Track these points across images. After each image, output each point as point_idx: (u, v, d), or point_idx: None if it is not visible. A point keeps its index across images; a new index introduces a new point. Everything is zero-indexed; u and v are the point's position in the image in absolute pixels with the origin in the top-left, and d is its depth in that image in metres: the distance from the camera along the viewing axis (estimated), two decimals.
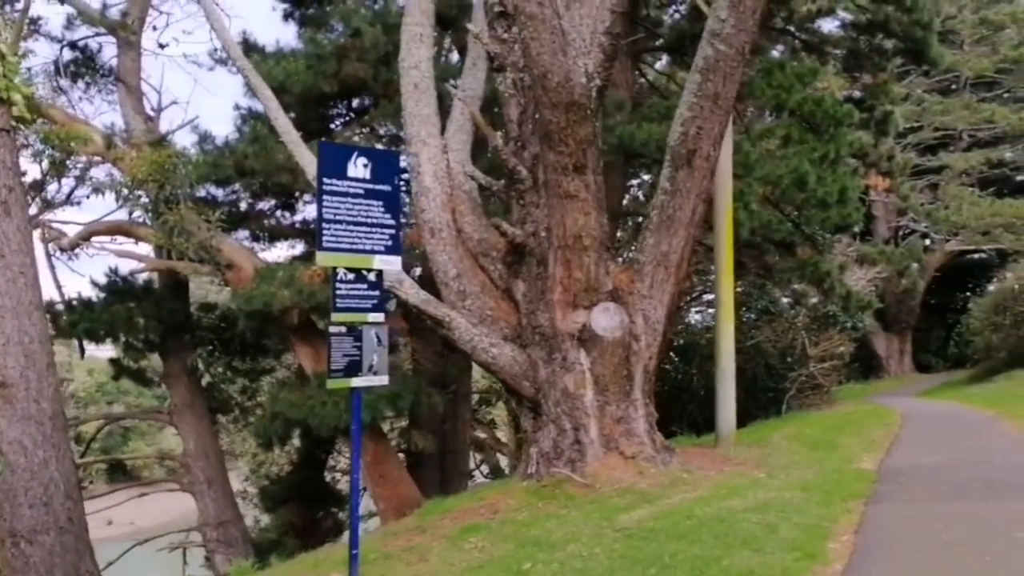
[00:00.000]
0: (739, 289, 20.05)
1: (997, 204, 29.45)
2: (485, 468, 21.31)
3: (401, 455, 14.42)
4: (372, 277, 5.66)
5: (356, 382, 5.55)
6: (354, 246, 5.56)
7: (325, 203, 5.48)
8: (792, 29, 16.07)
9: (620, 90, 13.20)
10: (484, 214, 9.30)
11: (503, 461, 21.43)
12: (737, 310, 20.96)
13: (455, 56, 14.67)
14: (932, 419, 13.69)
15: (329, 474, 18.45)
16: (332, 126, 14.05)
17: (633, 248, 9.04)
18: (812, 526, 6.15)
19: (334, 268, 5.52)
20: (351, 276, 5.55)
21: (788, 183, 12.53)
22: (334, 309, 5.50)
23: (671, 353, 21.66)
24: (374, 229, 5.66)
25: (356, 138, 13.65)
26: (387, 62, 10.10)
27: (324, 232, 5.47)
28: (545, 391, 8.44)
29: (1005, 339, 23.98)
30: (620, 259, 9.01)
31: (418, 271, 13.04)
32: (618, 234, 17.75)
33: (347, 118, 14.11)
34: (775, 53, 16.22)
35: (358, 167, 5.59)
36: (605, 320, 8.29)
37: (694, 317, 23.41)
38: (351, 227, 5.56)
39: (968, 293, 29.53)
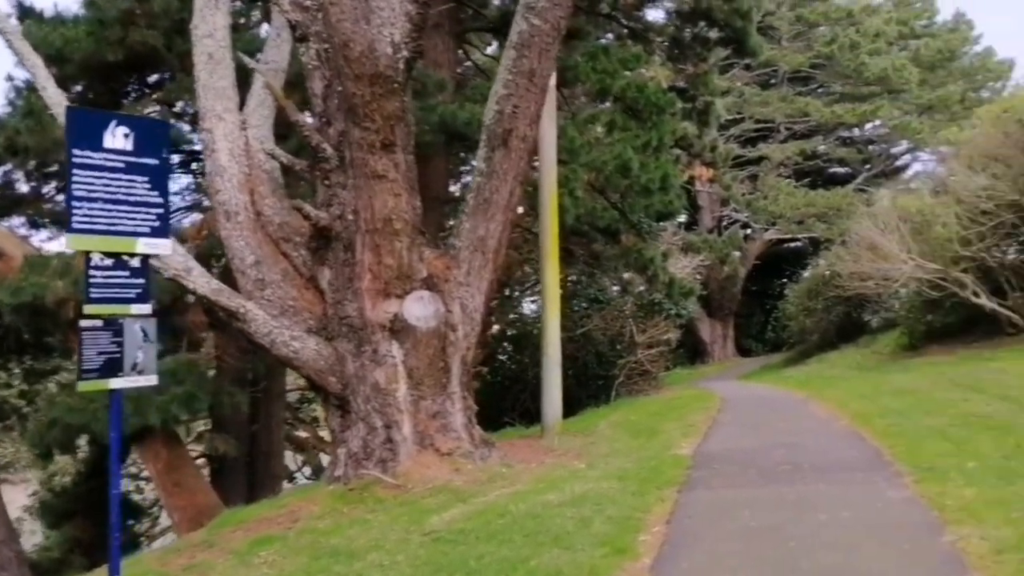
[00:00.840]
0: (571, 278, 20.18)
1: (811, 195, 31.14)
2: (308, 470, 20.44)
3: (203, 460, 13.47)
4: (135, 263, 4.98)
5: (115, 383, 4.86)
6: (112, 227, 4.86)
7: (76, 178, 4.76)
8: (618, 16, 16.14)
9: (442, 70, 12.79)
10: (287, 196, 8.65)
11: (327, 461, 20.63)
12: (568, 299, 21.18)
13: (266, 28, 13.81)
14: (749, 402, 14.06)
15: (131, 482, 17.06)
16: (124, 101, 12.87)
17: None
18: (625, 519, 5.94)
19: (87, 253, 4.81)
20: (109, 262, 4.85)
21: (612, 170, 12.51)
22: (87, 300, 4.79)
23: (504, 343, 21.57)
24: (137, 208, 4.97)
25: (151, 115, 12.58)
26: (182, 31, 9.26)
27: (75, 211, 4.76)
28: (354, 387, 7.91)
29: (817, 323, 25.33)
30: (437, 245, 8.55)
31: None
32: (450, 222, 17.35)
33: (140, 92, 12.98)
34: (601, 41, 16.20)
35: (117, 137, 4.89)
36: (419, 309, 7.85)
37: (528, 307, 23.36)
38: (109, 206, 4.85)
39: (785, 280, 31.10)
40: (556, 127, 11.90)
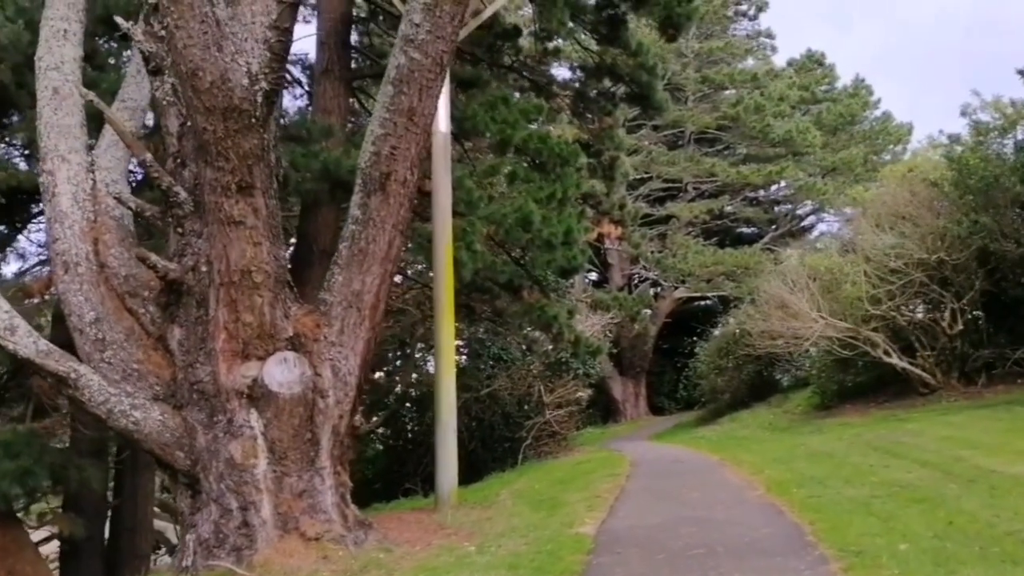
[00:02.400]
0: (481, 335, 19.32)
1: (719, 253, 31.17)
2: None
3: (55, 542, 12.00)
4: None
5: None
6: None
7: None
8: (520, 68, 15.64)
9: (332, 116, 11.94)
10: (137, 246, 7.60)
11: None
12: (473, 357, 20.30)
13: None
14: (660, 466, 13.33)
15: None
16: None
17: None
18: None
19: None
20: None
21: (513, 223, 11.76)
22: None
23: (407, 403, 20.51)
24: None
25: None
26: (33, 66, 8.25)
27: None
28: (205, 462, 6.83)
29: (728, 382, 24.98)
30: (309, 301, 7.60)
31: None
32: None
33: None
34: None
35: None
36: (282, 373, 6.85)
37: (431, 366, 22.34)
38: None
39: (695, 338, 30.83)
40: (451, 177, 11.17)
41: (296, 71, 15.74)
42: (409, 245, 13.41)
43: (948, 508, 6.81)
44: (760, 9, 37.26)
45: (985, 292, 16.17)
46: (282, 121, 11.18)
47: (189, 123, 6.92)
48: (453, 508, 10.29)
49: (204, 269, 6.89)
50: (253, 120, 6.30)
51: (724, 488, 9.83)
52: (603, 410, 34.32)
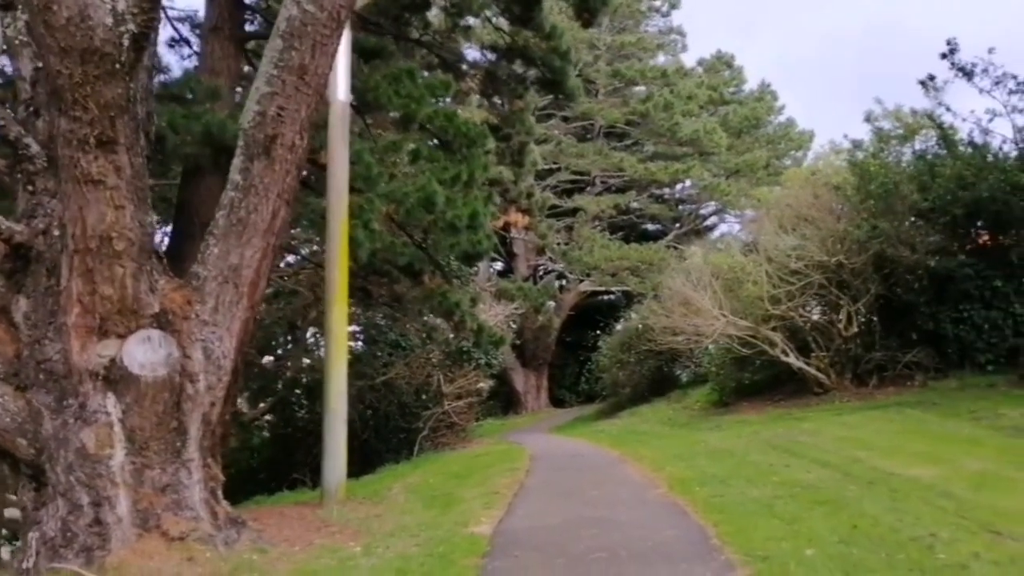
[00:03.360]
0: (379, 320, 18.63)
1: (625, 248, 31.17)
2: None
3: None
4: None
5: None
6: None
7: None
8: (428, 42, 15.01)
9: (220, 77, 11.09)
10: None
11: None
12: (369, 344, 19.60)
13: None
14: (560, 461, 12.96)
15: None
16: None
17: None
18: None
19: None
20: None
21: (415, 203, 11.16)
22: None
23: (296, 390, 19.67)
24: None
25: None
26: None
27: None
28: (51, 452, 6.06)
29: (630, 376, 24.94)
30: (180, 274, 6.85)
31: None
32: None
33: None
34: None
35: None
36: (145, 353, 6.12)
37: (324, 351, 21.53)
38: None
39: (598, 332, 30.82)
40: (349, 151, 10.52)
41: (185, 29, 14.74)
42: (303, 222, 12.71)
43: (851, 511, 6.59)
44: (673, 6, 37.50)
45: (880, 296, 16.38)
46: (162, 78, 10.31)
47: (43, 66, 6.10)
48: (340, 503, 9.67)
49: (57, 233, 6.10)
50: (117, 66, 5.54)
51: (626, 485, 9.50)
52: (504, 401, 34.06)
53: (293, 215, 14.97)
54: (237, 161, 6.43)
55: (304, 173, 12.16)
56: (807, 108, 53.11)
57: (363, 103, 12.43)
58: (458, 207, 11.56)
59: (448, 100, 18.29)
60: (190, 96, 10.48)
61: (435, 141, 12.90)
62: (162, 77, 10.70)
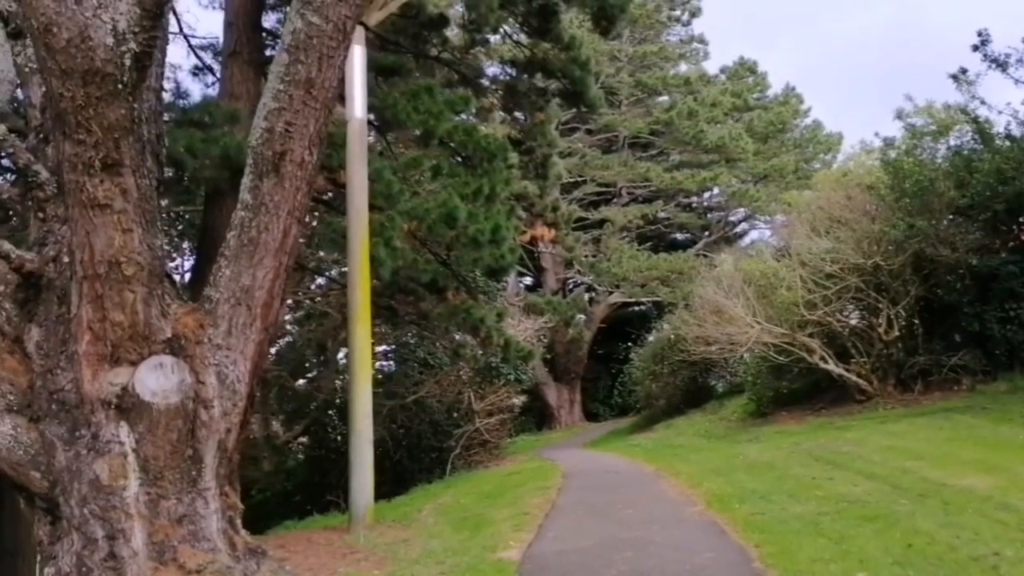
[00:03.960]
0: (408, 339, 18.43)
1: (654, 258, 30.79)
2: None
3: None
4: None
5: None
6: None
7: None
8: (447, 59, 14.86)
9: (240, 101, 11.00)
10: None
11: None
12: (400, 363, 19.41)
13: None
14: (594, 479, 12.63)
15: None
16: None
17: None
18: None
19: None
20: None
21: (436, 219, 10.96)
22: None
23: (329, 411, 19.51)
24: None
25: None
26: None
27: None
28: (65, 484, 5.85)
29: (663, 388, 24.50)
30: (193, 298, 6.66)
31: None
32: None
33: None
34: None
35: None
36: (157, 381, 5.91)
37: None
38: None
39: (630, 344, 30.40)
40: (369, 169, 10.36)
41: (208, 57, 14.76)
42: (324, 242, 12.55)
43: (903, 527, 6.22)
44: (693, 15, 37.19)
45: (920, 298, 15.91)
46: (181, 103, 10.21)
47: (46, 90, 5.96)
48: (368, 528, 9.45)
49: (67, 260, 5.93)
50: (120, 86, 5.36)
51: (661, 503, 9.17)
52: (537, 417, 33.72)
53: (314, 235, 14.94)
54: (246, 180, 6.22)
55: (327, 194, 12.09)
56: (833, 114, 52.40)
57: (382, 121, 12.30)
58: (480, 221, 11.34)
59: (470, 117, 18.19)
60: (208, 121, 10.37)
61: (456, 157, 12.71)
62: (182, 102, 10.60)
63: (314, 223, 13.96)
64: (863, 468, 9.20)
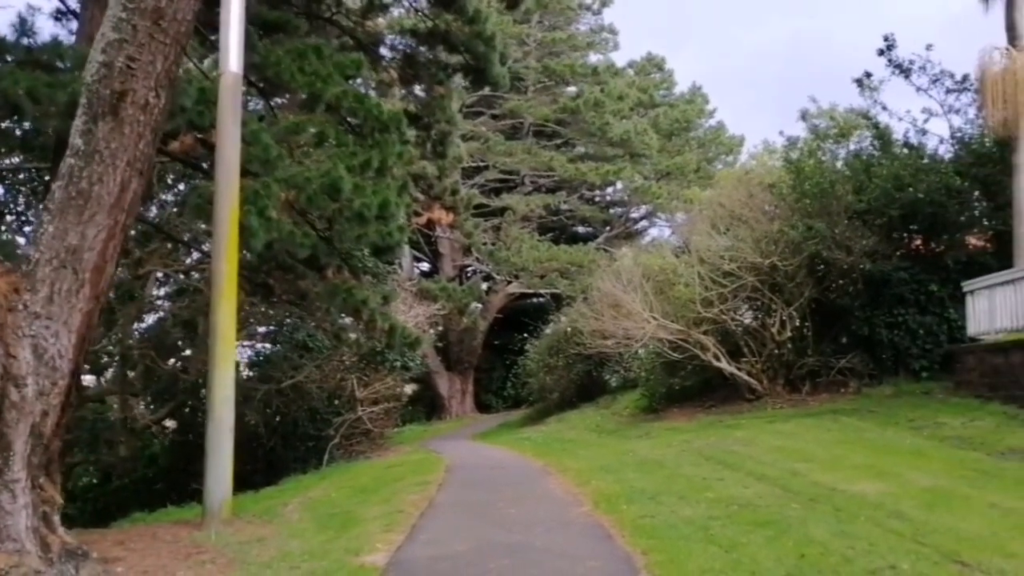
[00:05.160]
0: (289, 320, 17.44)
1: (554, 249, 30.37)
2: None
3: None
4: None
5: None
6: None
7: None
8: (340, 22, 13.94)
9: None
10: None
11: None
12: (277, 345, 18.41)
13: None
14: (478, 473, 12.02)
15: None
16: None
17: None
18: None
19: None
20: None
21: (317, 189, 10.10)
22: None
23: (197, 394, 18.31)
24: None
25: None
26: None
27: None
28: None
29: (558, 381, 24.11)
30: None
31: None
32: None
33: None
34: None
35: None
36: None
37: (241, 352, 20.18)
38: None
39: (526, 335, 29.94)
40: (244, 131, 9.45)
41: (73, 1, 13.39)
42: (188, 208, 11.53)
43: (795, 535, 5.80)
44: (604, 4, 36.93)
45: (813, 300, 15.86)
46: (26, 42, 9.07)
47: None
48: (223, 523, 8.57)
49: None
50: None
51: (547, 502, 8.60)
52: (427, 406, 33.03)
53: (185, 202, 13.84)
54: (78, 122, 5.35)
55: (196, 156, 11.05)
56: (735, 119, 53.08)
57: (264, 80, 11.36)
58: (367, 195, 10.54)
59: (370, 91, 17.28)
60: (60, 65, 9.24)
61: (345, 125, 11.86)
62: (27, 41, 9.38)
63: (181, 186, 12.90)
64: (753, 469, 8.86)
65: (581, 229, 37.44)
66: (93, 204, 5.35)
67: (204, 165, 11.21)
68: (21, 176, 13.97)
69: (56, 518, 5.70)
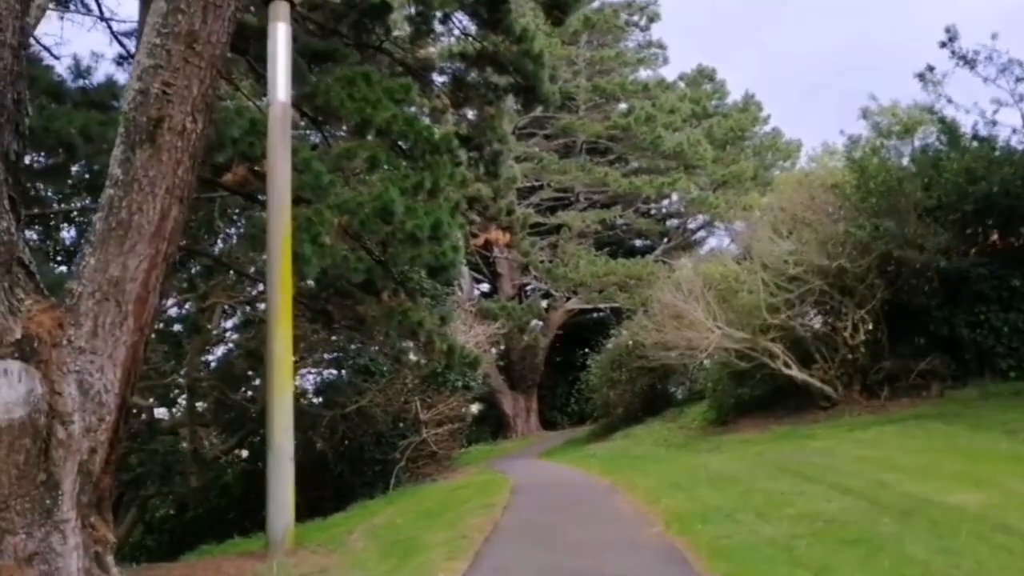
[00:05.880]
0: (352, 346, 17.37)
1: (612, 263, 29.97)
2: None
3: None
4: None
5: None
6: None
7: None
8: (391, 51, 13.89)
9: None
10: None
11: None
12: (342, 371, 18.37)
13: None
14: (544, 494, 11.68)
15: None
16: None
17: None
18: None
19: None
20: None
21: (370, 212, 9.96)
22: None
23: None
24: None
25: None
26: None
27: None
28: None
29: (621, 395, 23.66)
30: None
31: None
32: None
33: None
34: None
35: None
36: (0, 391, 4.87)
37: (307, 379, 20.20)
38: None
39: (587, 350, 29.52)
40: (296, 158, 9.38)
41: (132, 44, 13.58)
42: (242, 239, 11.50)
43: (891, 554, 5.36)
44: (652, 20, 36.50)
45: (886, 301, 15.22)
46: (82, 83, 9.13)
47: None
48: (286, 554, 8.40)
49: None
50: None
51: (616, 524, 8.24)
52: (493, 425, 32.80)
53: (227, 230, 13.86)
54: (116, 152, 5.23)
55: (249, 186, 11.01)
56: (789, 126, 52.02)
57: (315, 109, 11.29)
58: (419, 217, 10.37)
59: (424, 117, 17.18)
60: (115, 104, 9.30)
61: (396, 150, 11.74)
62: (82, 82, 9.49)
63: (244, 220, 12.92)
64: (836, 481, 8.37)
65: (638, 242, 36.96)
66: (134, 234, 5.21)
67: (260, 197, 11.18)
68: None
69: (109, 558, 5.54)
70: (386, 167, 11.35)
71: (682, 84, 37.15)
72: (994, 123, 15.37)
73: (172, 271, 6.02)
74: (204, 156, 5.79)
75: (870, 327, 15.27)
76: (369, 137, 11.39)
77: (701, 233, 38.52)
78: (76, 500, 5.18)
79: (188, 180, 5.41)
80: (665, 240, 35.99)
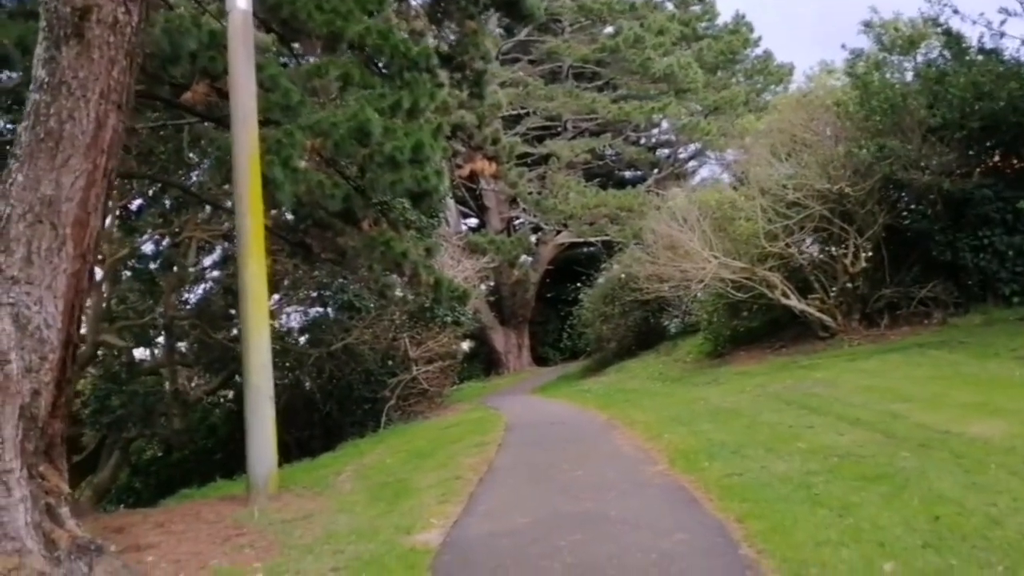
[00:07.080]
0: (331, 279, 16.80)
1: (602, 194, 29.20)
2: None
3: None
4: None
5: None
6: None
7: None
8: None
9: None
10: None
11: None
12: (326, 307, 17.83)
13: None
14: (539, 431, 11.26)
15: None
16: None
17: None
18: None
19: None
20: None
21: (345, 134, 9.24)
22: None
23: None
24: None
25: None
26: None
27: None
28: None
29: (614, 329, 23.20)
30: None
31: None
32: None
33: None
34: None
35: None
36: None
37: (291, 318, 19.65)
38: None
39: (579, 285, 29.01)
40: (262, 75, 8.67)
41: None
42: (207, 162, 10.80)
43: (919, 491, 4.88)
44: None
45: (887, 227, 14.64)
46: None
47: None
48: (269, 498, 7.92)
49: None
50: None
51: (616, 461, 7.77)
52: (485, 362, 32.50)
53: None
54: (39, 50, 4.54)
55: (210, 104, 10.24)
56: (779, 50, 50.79)
57: (281, 23, 10.47)
58: (399, 138, 9.67)
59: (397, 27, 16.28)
60: None
61: (371, 66, 10.97)
62: None
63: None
64: (844, 413, 7.92)
65: (628, 173, 36.17)
66: (66, 146, 4.56)
67: (214, 111, 10.43)
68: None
69: (64, 510, 5.03)
70: (360, 86, 10.59)
71: (670, 5, 35.92)
72: (1002, 35, 14.56)
73: (112, 189, 5.38)
74: (145, 59, 5.10)
75: (870, 254, 14.74)
76: (340, 53, 10.63)
77: (692, 163, 37.73)
78: (20, 448, 4.63)
79: (126, 82, 4.74)
80: (656, 171, 35.17)
